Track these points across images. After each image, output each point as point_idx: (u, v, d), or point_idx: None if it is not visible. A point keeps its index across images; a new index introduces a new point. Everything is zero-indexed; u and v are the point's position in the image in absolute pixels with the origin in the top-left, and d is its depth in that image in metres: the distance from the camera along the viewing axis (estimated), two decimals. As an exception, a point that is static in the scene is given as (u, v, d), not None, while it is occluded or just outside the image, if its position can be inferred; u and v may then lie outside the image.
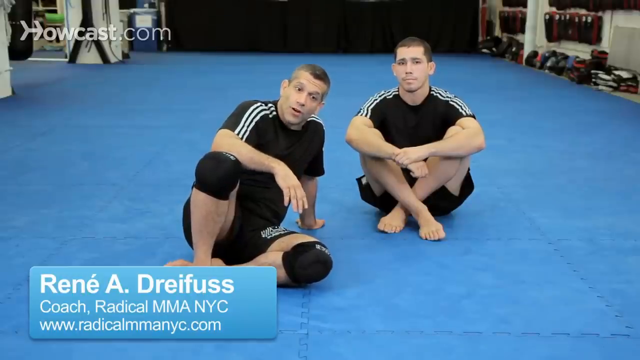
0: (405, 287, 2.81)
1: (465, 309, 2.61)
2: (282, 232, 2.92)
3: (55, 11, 16.38)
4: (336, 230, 3.49)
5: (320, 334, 2.40)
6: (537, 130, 6.37)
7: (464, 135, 3.35)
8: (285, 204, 2.71)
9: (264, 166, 2.73)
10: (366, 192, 3.71)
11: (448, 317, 2.53)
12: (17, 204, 3.88)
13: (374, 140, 3.35)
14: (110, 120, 6.70)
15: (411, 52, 3.40)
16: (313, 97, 2.92)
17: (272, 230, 2.92)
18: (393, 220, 3.49)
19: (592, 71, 9.75)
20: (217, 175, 2.60)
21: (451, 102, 3.48)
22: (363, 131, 3.39)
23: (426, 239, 3.35)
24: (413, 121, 3.52)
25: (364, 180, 3.73)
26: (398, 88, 3.56)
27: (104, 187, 4.25)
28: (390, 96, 3.56)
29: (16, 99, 8.06)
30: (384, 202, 3.62)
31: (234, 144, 2.75)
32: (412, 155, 3.23)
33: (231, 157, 2.64)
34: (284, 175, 2.70)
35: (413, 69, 3.40)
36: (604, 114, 7.42)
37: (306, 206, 2.69)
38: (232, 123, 2.87)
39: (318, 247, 2.72)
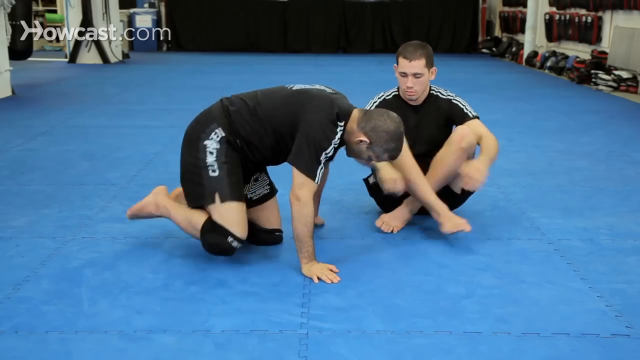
0: (405, 287, 2.81)
1: (465, 309, 2.61)
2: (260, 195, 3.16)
3: (55, 11, 16.37)
4: (336, 230, 3.49)
5: (320, 334, 2.40)
6: (537, 130, 6.36)
7: (493, 143, 3.40)
8: None
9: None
10: (374, 190, 3.67)
11: (448, 317, 2.53)
12: (17, 204, 3.88)
13: None
14: (110, 120, 6.70)
15: (413, 67, 3.40)
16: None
17: (254, 185, 3.17)
18: (392, 220, 3.48)
19: (592, 71, 9.75)
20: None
21: (454, 101, 3.49)
22: None
23: (451, 232, 3.29)
24: (414, 120, 3.52)
25: (371, 180, 3.71)
26: (397, 88, 3.55)
27: (104, 187, 4.25)
28: (390, 97, 3.55)
29: (16, 99, 8.06)
30: (390, 201, 3.59)
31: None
32: (480, 176, 3.29)
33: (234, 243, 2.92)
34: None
35: (414, 82, 3.42)
36: (604, 114, 7.42)
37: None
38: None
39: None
